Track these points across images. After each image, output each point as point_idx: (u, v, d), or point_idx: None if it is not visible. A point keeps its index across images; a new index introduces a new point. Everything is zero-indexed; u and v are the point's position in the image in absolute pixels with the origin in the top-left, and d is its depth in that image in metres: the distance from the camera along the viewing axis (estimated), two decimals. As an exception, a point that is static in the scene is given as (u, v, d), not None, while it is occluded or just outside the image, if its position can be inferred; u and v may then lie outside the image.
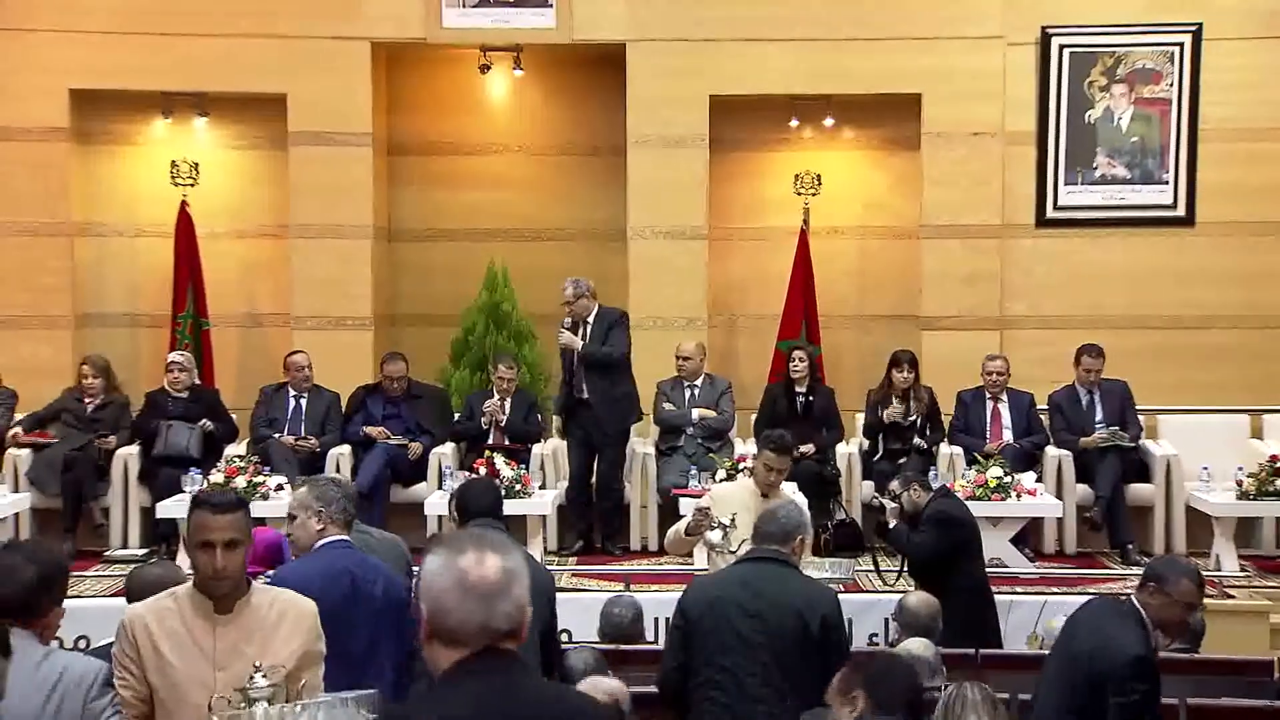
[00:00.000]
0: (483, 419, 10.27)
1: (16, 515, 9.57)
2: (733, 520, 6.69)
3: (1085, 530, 9.99)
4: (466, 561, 2.70)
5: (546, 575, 5.62)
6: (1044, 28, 11.19)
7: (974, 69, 11.13)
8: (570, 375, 9.86)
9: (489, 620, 2.68)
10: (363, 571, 5.04)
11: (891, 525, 7.77)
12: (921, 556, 7.45)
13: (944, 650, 5.81)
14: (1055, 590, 8.76)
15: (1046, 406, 10.42)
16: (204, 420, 10.13)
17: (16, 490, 9.81)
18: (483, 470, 9.33)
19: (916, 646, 5.56)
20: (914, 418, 10.20)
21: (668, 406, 10.40)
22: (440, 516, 9.00)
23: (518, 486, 9.32)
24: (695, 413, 10.29)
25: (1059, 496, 9.83)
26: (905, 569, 7.99)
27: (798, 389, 10.35)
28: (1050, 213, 11.31)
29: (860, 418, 10.72)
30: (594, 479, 10.00)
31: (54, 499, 9.95)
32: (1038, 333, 11.24)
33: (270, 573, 5.68)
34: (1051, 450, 10.17)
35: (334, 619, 4.49)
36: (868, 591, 8.70)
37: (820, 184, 11.59)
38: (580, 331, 9.78)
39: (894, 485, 7.81)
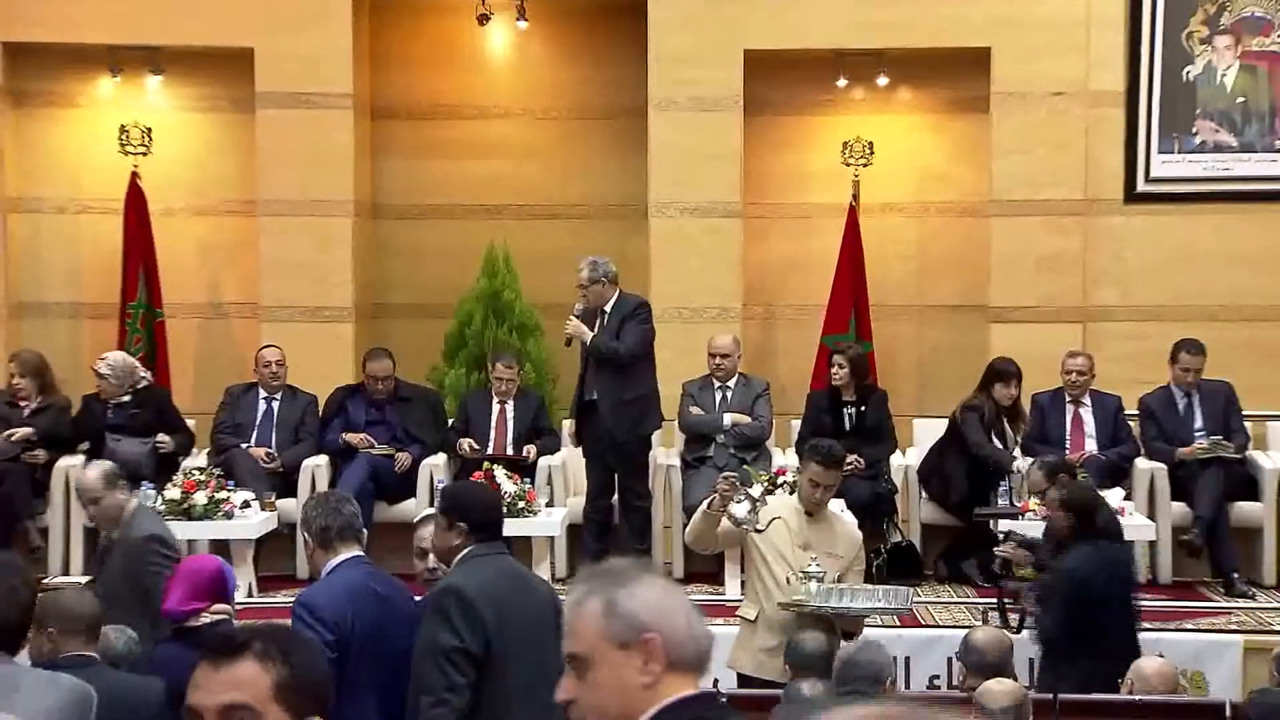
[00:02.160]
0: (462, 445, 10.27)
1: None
2: (763, 496, 6.71)
3: (1183, 556, 9.93)
4: (672, 586, 3.07)
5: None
6: (1134, -31, 11.15)
7: (1052, 18, 11.07)
8: (585, 373, 9.83)
9: (708, 644, 3.02)
10: (381, 585, 5.61)
11: (1035, 560, 7.52)
12: (1082, 577, 7.28)
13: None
14: (1148, 625, 8.68)
15: (1137, 411, 10.36)
16: (163, 437, 10.13)
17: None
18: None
19: (999, 689, 5.46)
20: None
21: (695, 411, 10.36)
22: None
23: (521, 504, 9.30)
24: (727, 418, 10.24)
25: (1152, 517, 9.76)
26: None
27: (845, 397, 10.29)
28: (1142, 185, 11.24)
29: (918, 424, 10.67)
30: (615, 495, 9.97)
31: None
32: (1127, 325, 11.17)
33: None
34: (1143, 463, 10.11)
35: (369, 637, 5.30)
36: (928, 626, 8.67)
37: (872, 153, 11.55)
38: (595, 323, 9.74)
39: (1034, 474, 7.59)
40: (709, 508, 6.85)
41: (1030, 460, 9.36)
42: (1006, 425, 10.08)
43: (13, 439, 9.96)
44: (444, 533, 5.38)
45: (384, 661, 5.32)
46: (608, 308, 9.73)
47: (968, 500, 9.86)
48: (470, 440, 10.31)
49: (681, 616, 2.95)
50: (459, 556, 5.31)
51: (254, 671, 2.62)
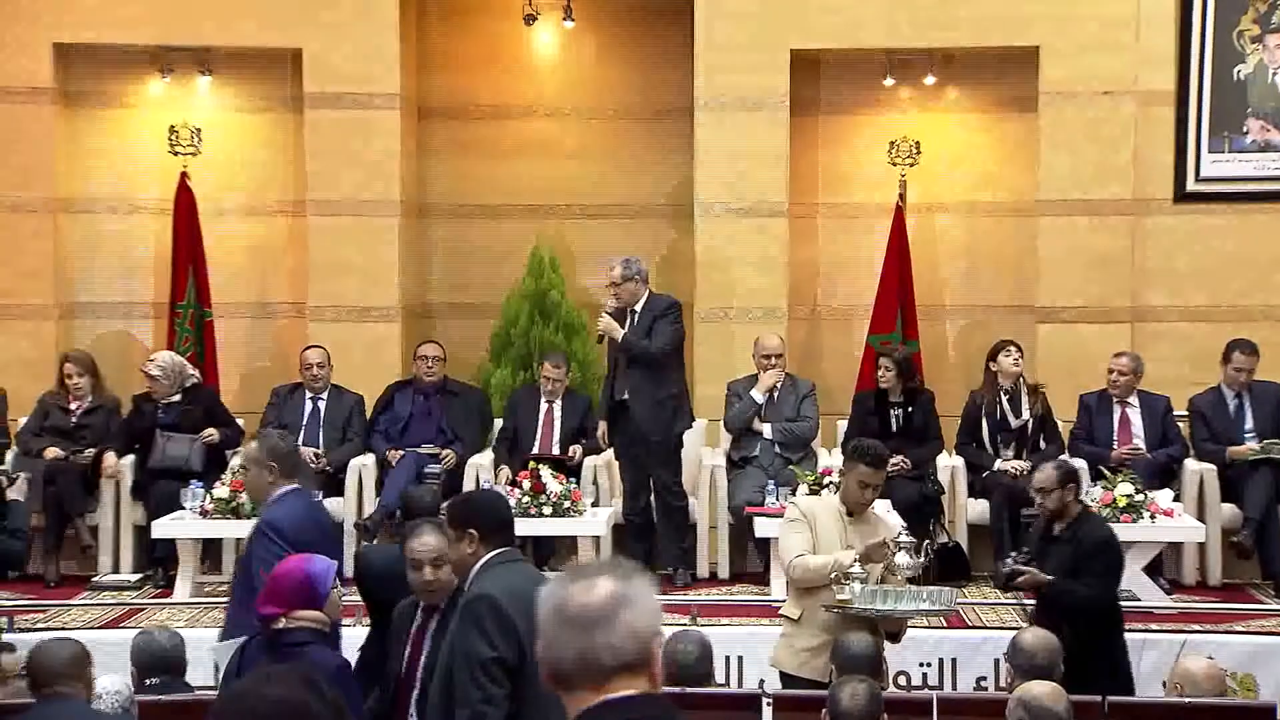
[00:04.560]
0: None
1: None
2: (909, 542, 6.74)
3: (1232, 558, 9.90)
4: (576, 588, 2.73)
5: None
6: (1185, -33, 11.10)
7: (1102, 17, 11.03)
8: (614, 372, 9.87)
9: (585, 652, 2.69)
10: (321, 514, 6.94)
11: (1050, 581, 7.46)
12: (1107, 603, 7.33)
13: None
14: (1196, 628, 8.69)
15: (1187, 412, 10.32)
16: (209, 431, 10.22)
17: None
18: (526, 484, 9.37)
19: (1043, 691, 5.46)
20: (1028, 417, 10.10)
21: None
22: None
23: (567, 503, 9.34)
24: (756, 393, 10.25)
25: (1201, 518, 9.74)
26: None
27: (892, 399, 10.29)
28: (1192, 185, 11.20)
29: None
30: (651, 495, 9.98)
31: (35, 516, 10.02)
32: (1177, 326, 11.12)
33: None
34: (1192, 464, 10.08)
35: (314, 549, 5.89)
36: (974, 627, 8.65)
37: (920, 152, 11.52)
38: (626, 322, 9.77)
39: (1047, 470, 7.50)
40: (866, 560, 6.73)
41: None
42: (1005, 402, 10.18)
43: (108, 473, 10.14)
44: (455, 545, 5.24)
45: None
46: (638, 307, 9.78)
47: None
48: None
49: (547, 623, 2.74)
50: (478, 565, 5.17)
51: None
